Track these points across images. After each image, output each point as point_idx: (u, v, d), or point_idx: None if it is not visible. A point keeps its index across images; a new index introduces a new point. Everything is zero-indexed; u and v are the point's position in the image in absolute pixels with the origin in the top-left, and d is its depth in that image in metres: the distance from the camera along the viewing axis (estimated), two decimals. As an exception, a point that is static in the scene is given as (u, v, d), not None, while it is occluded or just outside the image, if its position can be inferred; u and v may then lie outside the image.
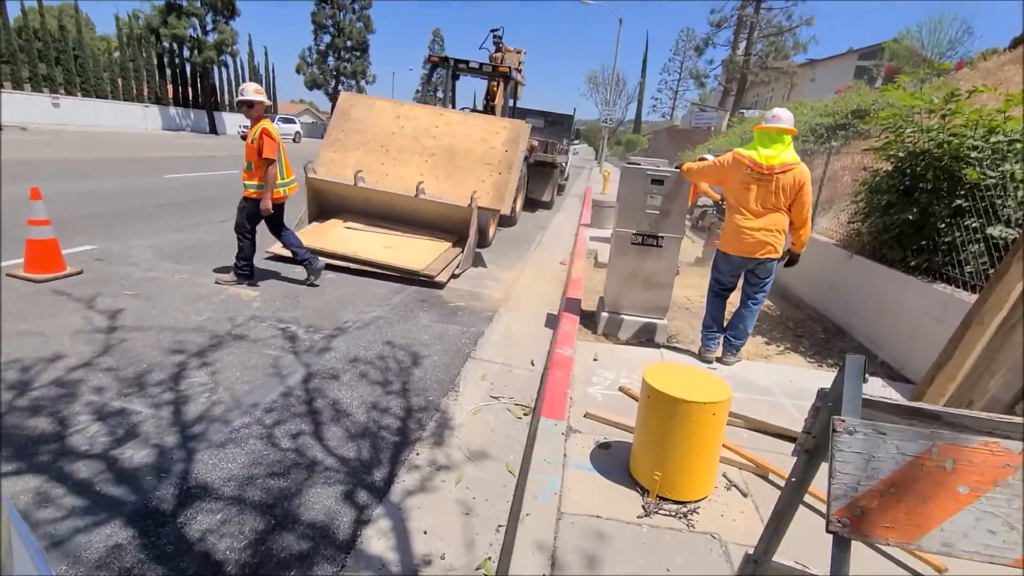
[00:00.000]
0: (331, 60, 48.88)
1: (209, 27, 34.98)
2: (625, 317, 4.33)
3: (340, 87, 50.10)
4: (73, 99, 30.17)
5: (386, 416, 2.91)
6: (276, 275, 5.11)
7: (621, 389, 3.20)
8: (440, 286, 5.38)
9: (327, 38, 48.08)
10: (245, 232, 4.62)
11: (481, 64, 8.35)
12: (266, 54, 71.15)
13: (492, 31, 9.45)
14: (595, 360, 3.66)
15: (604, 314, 4.38)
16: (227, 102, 43.33)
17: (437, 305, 4.88)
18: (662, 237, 4.15)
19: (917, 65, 12.77)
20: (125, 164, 12.27)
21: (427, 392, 3.25)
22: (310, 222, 6.38)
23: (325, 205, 6.58)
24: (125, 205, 7.43)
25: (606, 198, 9.73)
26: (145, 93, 36.01)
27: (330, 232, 5.96)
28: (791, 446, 1.66)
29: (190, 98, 38.12)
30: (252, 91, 4.57)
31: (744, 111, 34.79)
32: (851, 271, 4.69)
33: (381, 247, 5.73)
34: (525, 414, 3.14)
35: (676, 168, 4.03)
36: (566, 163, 14.93)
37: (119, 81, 34.53)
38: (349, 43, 48.50)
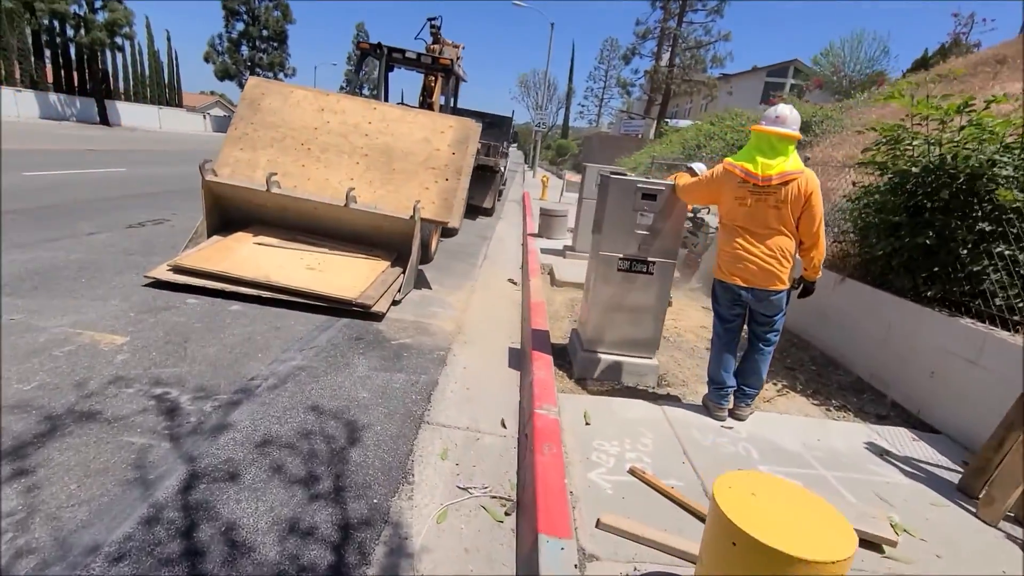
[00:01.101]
0: (245, 50, 45.21)
1: (99, 5, 30.90)
2: (607, 356, 3.61)
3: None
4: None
5: (311, 545, 1.96)
6: (159, 308, 3.90)
7: (633, 472, 2.44)
8: (378, 317, 4.40)
9: (240, 25, 44.39)
10: None
11: (419, 54, 7.39)
12: (168, 39, 64.84)
13: (429, 19, 8.50)
14: (587, 424, 2.89)
15: (582, 353, 3.64)
16: (122, 89, 38.69)
17: (376, 344, 3.91)
18: (653, 263, 3.47)
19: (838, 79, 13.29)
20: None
21: (370, 490, 2.32)
22: (209, 236, 5.14)
23: (229, 216, 5.35)
24: (-45, 211, 5.74)
25: (556, 207, 9.08)
26: (17, 76, 31.23)
27: (236, 250, 4.77)
28: None
29: (75, 84, 33.53)
30: None
31: (667, 120, 36.01)
32: (844, 297, 4.26)
33: (302, 269, 4.64)
34: (508, 513, 2.31)
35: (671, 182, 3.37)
36: (505, 167, 14.22)
37: (-18, 60, 29.69)
38: (265, 32, 45.08)
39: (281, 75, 47.13)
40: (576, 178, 15.21)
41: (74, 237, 5.39)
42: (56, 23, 30.52)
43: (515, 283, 6.40)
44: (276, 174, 5.03)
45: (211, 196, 5.10)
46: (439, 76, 8.99)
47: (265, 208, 5.33)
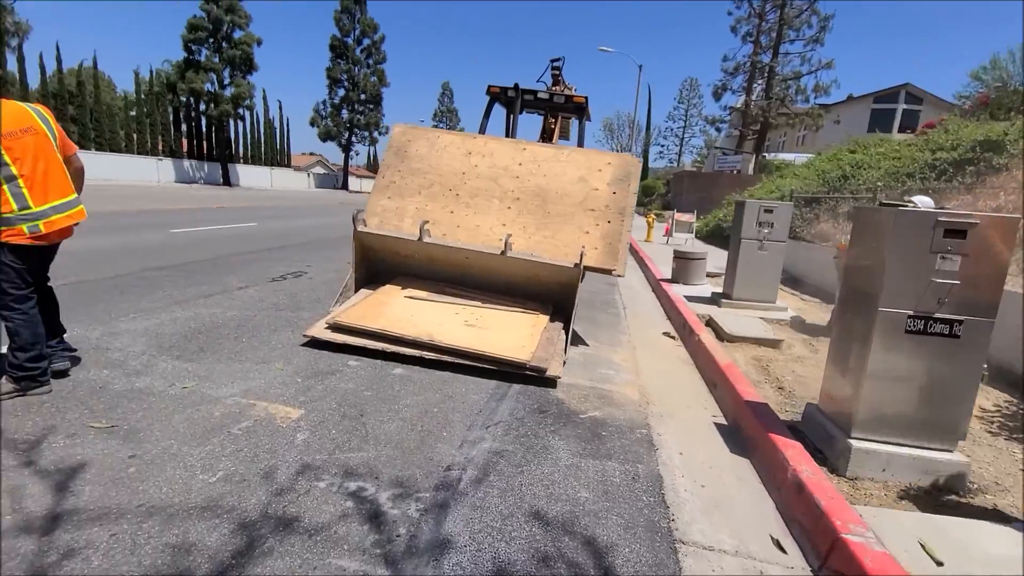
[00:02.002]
0: (345, 113, 49.30)
1: (226, 81, 35.11)
2: (886, 447, 2.69)
3: (353, 139, 50.35)
4: (88, 153, 29.72)
5: None
6: (324, 372, 3.52)
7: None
8: (552, 383, 3.76)
9: (341, 92, 48.66)
10: (7, 303, 2.74)
11: (552, 93, 7.10)
12: (280, 108, 72.77)
13: (552, 61, 8.27)
14: (938, 564, 1.98)
15: (846, 440, 2.74)
16: (241, 153, 43.28)
17: (565, 419, 3.25)
18: (960, 322, 2.56)
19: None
20: (131, 218, 11.00)
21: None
22: (357, 290, 4.85)
23: (375, 267, 5.08)
24: (120, 268, 5.96)
25: (691, 249, 8.23)
26: (160, 147, 35.84)
27: (388, 305, 4.40)
28: None
29: (204, 151, 37.90)
30: None
31: (765, 154, 34.11)
32: None
33: (461, 326, 4.15)
34: None
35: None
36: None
37: (135, 136, 34.39)
38: (363, 96, 49.04)
39: (376, 133, 50.76)
40: (685, 217, 14.28)
41: (226, 292, 5.34)
42: (191, 100, 34.96)
43: (673, 337, 5.58)
44: (428, 222, 4.68)
45: (360, 247, 4.84)
46: (559, 117, 8.66)
47: (412, 259, 5.00)
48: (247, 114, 39.86)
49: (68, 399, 2.84)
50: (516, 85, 6.65)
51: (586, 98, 7.03)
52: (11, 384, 2.78)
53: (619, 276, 4.65)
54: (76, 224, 3.03)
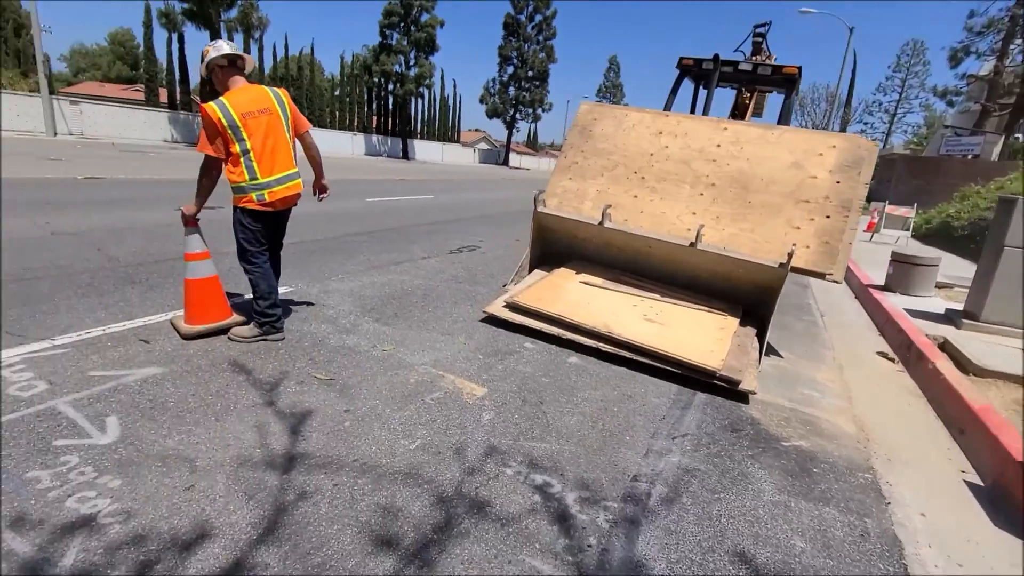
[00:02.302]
0: (512, 90, 50.71)
1: (411, 62, 38.35)
2: None
3: (518, 115, 51.72)
4: (301, 128, 35.02)
5: None
6: (503, 352, 3.56)
7: None
8: (745, 398, 3.33)
9: (510, 69, 50.04)
10: (247, 258, 3.24)
11: (756, 65, 6.24)
12: (455, 86, 77.55)
13: (755, 27, 7.29)
14: None
15: None
16: (418, 130, 47.30)
17: (763, 444, 2.83)
18: None
19: None
20: (335, 187, 12.62)
21: None
22: (531, 269, 4.85)
23: (549, 248, 5.02)
24: (328, 232, 6.81)
25: (916, 252, 6.75)
26: (354, 123, 40.75)
27: (564, 289, 4.31)
28: None
29: (389, 127, 42.16)
30: (233, 46, 3.16)
31: (1019, 136, 26.96)
32: None
33: (640, 320, 3.88)
34: None
35: None
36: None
37: (336, 113, 39.55)
38: (531, 73, 49.85)
39: (540, 110, 51.48)
40: (900, 211, 11.86)
41: (412, 261, 5.77)
42: (382, 80, 38.94)
43: (892, 359, 4.62)
44: (610, 206, 4.44)
45: (538, 227, 4.81)
46: (755, 92, 7.66)
47: (589, 243, 4.83)
48: (426, 92, 43.22)
49: (296, 348, 3.25)
50: (716, 56, 5.96)
51: (799, 69, 6.04)
52: (256, 329, 3.27)
53: (835, 282, 3.93)
54: (296, 195, 3.34)
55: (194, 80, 31.39)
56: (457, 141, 55.13)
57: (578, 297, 4.17)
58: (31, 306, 3.38)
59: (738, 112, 7.75)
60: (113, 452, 2.08)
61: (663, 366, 3.46)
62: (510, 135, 54.38)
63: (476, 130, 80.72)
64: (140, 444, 2.15)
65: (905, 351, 4.71)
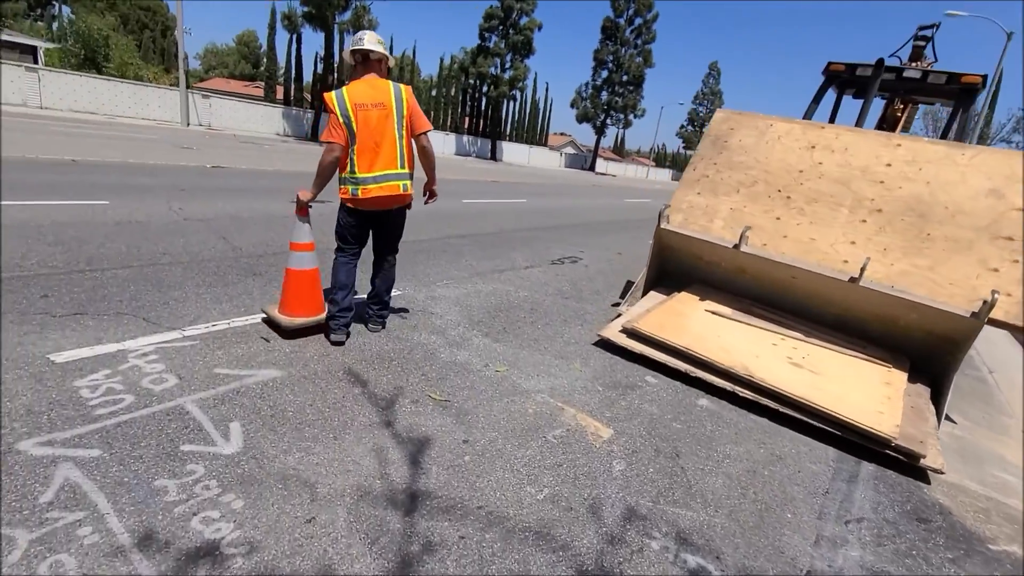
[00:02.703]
0: (604, 94, 49.77)
1: (507, 65, 38.72)
2: None
3: (608, 120, 50.71)
4: (398, 126, 36.38)
5: None
6: (624, 385, 3.19)
7: None
8: (925, 475, 2.73)
9: (605, 73, 49.13)
10: (335, 250, 3.21)
11: (925, 72, 5.37)
12: (547, 89, 77.75)
13: (919, 29, 6.34)
14: None
15: None
16: (507, 132, 47.76)
17: (961, 542, 2.25)
18: None
19: None
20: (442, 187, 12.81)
21: None
22: (647, 291, 4.43)
23: (668, 268, 4.57)
24: (431, 233, 6.77)
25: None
26: (448, 123, 41.87)
27: (688, 317, 3.86)
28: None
29: (479, 128, 42.93)
30: (372, 41, 2.95)
31: None
32: None
33: (784, 363, 3.36)
34: None
35: None
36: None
37: (431, 112, 40.84)
38: (625, 77, 48.65)
39: (632, 116, 50.14)
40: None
41: (514, 270, 5.54)
42: (477, 82, 39.65)
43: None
44: (749, 228, 3.93)
45: (660, 245, 4.39)
46: (909, 104, 6.67)
47: (717, 267, 4.34)
48: (518, 95, 43.44)
49: (408, 360, 3.09)
50: (880, 61, 5.19)
51: (984, 78, 5.11)
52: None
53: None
54: (393, 196, 3.03)
55: (307, 78, 33.71)
56: (545, 144, 55.10)
57: (705, 329, 3.70)
58: (164, 292, 3.50)
59: (887, 126, 6.80)
60: (236, 466, 1.97)
61: (816, 423, 2.94)
62: (598, 141, 53.44)
63: (562, 134, 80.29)
64: (262, 459, 2.03)
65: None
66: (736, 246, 3.92)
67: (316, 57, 29.74)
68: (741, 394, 3.14)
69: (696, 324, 3.77)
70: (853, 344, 3.70)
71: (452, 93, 41.69)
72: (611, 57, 48.15)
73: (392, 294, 3.56)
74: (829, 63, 5.85)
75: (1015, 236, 3.35)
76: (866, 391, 3.11)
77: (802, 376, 3.21)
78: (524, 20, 37.53)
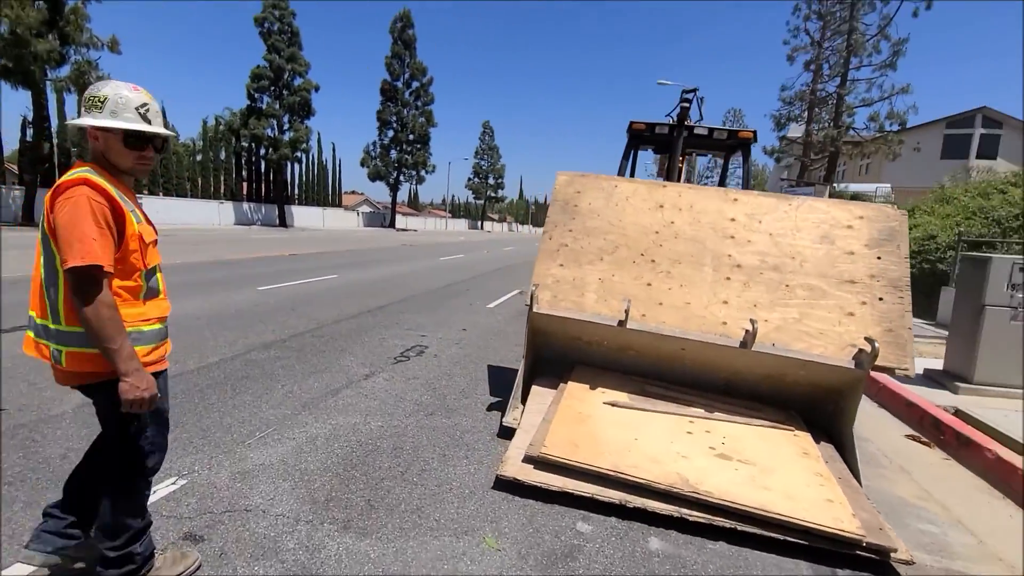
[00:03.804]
0: (394, 153, 50.07)
1: (285, 126, 36.08)
2: None
3: (401, 177, 50.99)
4: (156, 199, 30.74)
5: None
6: (557, 555, 2.30)
7: None
8: (886, 566, 2.43)
9: (391, 133, 49.56)
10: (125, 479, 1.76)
11: (711, 129, 5.99)
12: (334, 150, 75.62)
13: (684, 92, 7.22)
14: None
15: None
16: (296, 195, 44.29)
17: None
18: None
19: None
20: (212, 270, 10.38)
21: None
22: (526, 389, 3.70)
23: (543, 353, 3.94)
24: (223, 348, 5.01)
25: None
26: (221, 190, 36.93)
27: (593, 419, 3.21)
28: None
29: (262, 193, 38.87)
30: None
31: (834, 185, 32.16)
32: None
33: (710, 457, 2.90)
34: None
35: None
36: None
37: (199, 180, 35.57)
38: (411, 136, 49.80)
39: (423, 172, 51.29)
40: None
41: (352, 384, 4.27)
42: (253, 145, 36.01)
43: (925, 443, 4.15)
44: (630, 301, 3.51)
45: (532, 332, 3.72)
46: (686, 157, 7.52)
47: (599, 346, 3.84)
48: (303, 156, 40.78)
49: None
50: (681, 120, 5.57)
51: (755, 132, 5.87)
52: None
53: (907, 377, 3.33)
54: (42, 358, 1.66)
55: (11, 145, 26.11)
56: (339, 205, 52.63)
57: (618, 431, 3.09)
58: None
59: (672, 177, 7.55)
60: None
61: (779, 536, 2.47)
62: (395, 198, 53.28)
63: (355, 192, 78.49)
64: None
65: (932, 430, 4.29)
66: (622, 323, 3.46)
67: (23, 121, 23.39)
68: (692, 519, 2.54)
69: (606, 428, 3.13)
70: (750, 408, 3.49)
71: (223, 157, 37.05)
72: (395, 117, 48.94)
73: (171, 486, 2.10)
74: (631, 122, 6.18)
75: (857, 280, 3.53)
76: (801, 474, 2.80)
77: (739, 473, 2.78)
78: (298, 81, 35.69)
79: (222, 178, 36.88)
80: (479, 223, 79.34)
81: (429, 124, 50.75)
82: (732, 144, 6.08)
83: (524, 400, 3.65)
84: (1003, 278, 4.87)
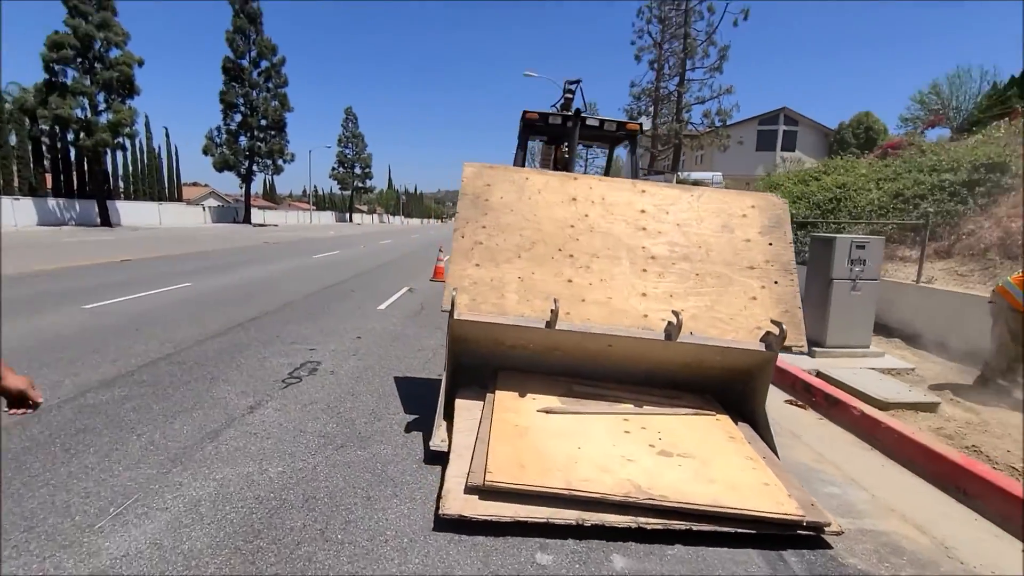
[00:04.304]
0: (243, 140, 44.86)
1: (101, 107, 30.27)
2: None
3: (255, 167, 45.99)
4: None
5: None
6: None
7: None
8: (819, 538, 2.59)
9: (239, 117, 44.28)
10: None
11: (603, 120, 6.03)
12: (167, 136, 65.90)
13: (568, 83, 7.25)
14: None
15: None
16: (122, 188, 37.68)
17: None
18: None
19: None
20: (23, 285, 8.18)
21: None
22: (448, 401, 3.38)
23: (463, 361, 3.63)
24: (51, 396, 3.84)
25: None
26: (15, 183, 30.01)
27: (534, 432, 3.00)
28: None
29: (75, 186, 32.37)
30: None
31: (678, 173, 35.96)
32: None
33: (654, 456, 2.86)
34: None
35: None
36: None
37: (-22, 172, 28.53)
38: (264, 122, 45.01)
39: (281, 161, 46.79)
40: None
41: (235, 422, 3.53)
42: (57, 128, 29.64)
43: (800, 406, 4.66)
44: (558, 301, 3.34)
45: (454, 340, 3.39)
46: (560, 148, 7.62)
47: (524, 349, 3.64)
48: (128, 143, 34.59)
49: None
50: (578, 111, 5.52)
51: (640, 124, 6.06)
52: None
53: (801, 352, 3.63)
54: None
55: None
56: (179, 199, 45.95)
57: (560, 441, 2.91)
58: None
59: (560, 167, 7.61)
60: None
61: (732, 529, 2.49)
62: (248, 189, 47.95)
63: (198, 184, 69.34)
64: None
65: (804, 394, 4.83)
66: (549, 324, 3.28)
67: None
68: (649, 527, 2.45)
69: (547, 440, 2.93)
70: (672, 397, 3.57)
71: (14, 143, 29.99)
72: (242, 100, 43.77)
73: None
74: (524, 112, 6.03)
75: (756, 265, 3.76)
76: (737, 462, 2.88)
77: (683, 470, 2.77)
78: (116, 53, 30.05)
79: (14, 168, 29.89)
80: (347, 215, 75.01)
81: (284, 108, 46.29)
82: (620, 135, 6.25)
83: (449, 417, 3.32)
84: (845, 254, 5.65)
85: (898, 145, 11.87)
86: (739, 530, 2.47)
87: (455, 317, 3.25)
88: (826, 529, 2.52)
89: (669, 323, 3.33)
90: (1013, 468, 3.42)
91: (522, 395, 3.39)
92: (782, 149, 39.40)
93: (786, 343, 3.47)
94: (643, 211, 3.94)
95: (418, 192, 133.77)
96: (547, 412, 3.21)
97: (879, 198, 9.28)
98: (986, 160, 8.18)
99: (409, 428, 3.52)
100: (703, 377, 3.72)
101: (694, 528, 2.46)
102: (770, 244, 3.85)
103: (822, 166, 12.44)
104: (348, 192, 75.29)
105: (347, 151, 73.30)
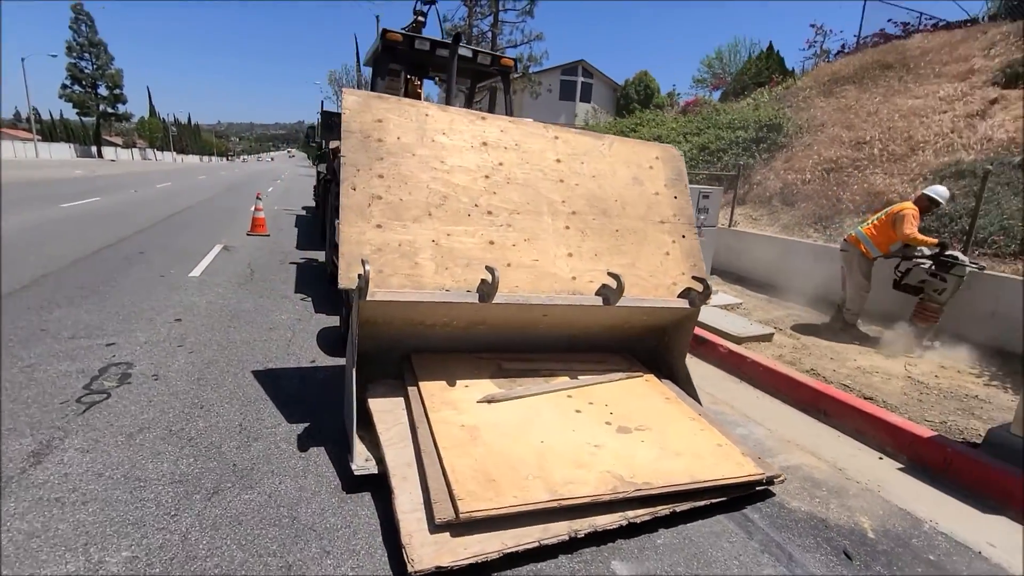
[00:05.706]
0: None
1: None
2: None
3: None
4: None
5: None
6: None
7: None
8: (766, 491, 2.72)
9: None
10: None
11: (475, 52, 5.14)
12: None
13: (421, 4, 6.19)
14: None
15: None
16: None
17: (889, 556, 2.32)
18: None
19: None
20: None
21: None
22: (360, 407, 2.68)
23: (366, 347, 2.90)
24: None
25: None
26: None
27: (478, 432, 2.49)
28: None
29: None
30: None
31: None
32: None
33: (616, 435, 2.64)
34: None
35: None
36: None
37: None
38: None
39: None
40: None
41: (13, 484, 2.22)
42: None
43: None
44: (496, 270, 2.77)
45: (363, 324, 2.63)
46: (414, 81, 6.72)
47: (444, 328, 3.04)
48: None
49: None
50: (458, 35, 4.64)
51: (515, 61, 5.48)
52: None
53: (707, 304, 3.75)
54: None
55: None
56: None
57: (517, 437, 2.48)
58: None
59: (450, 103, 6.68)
60: None
61: (706, 501, 2.42)
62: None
63: None
64: None
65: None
66: (484, 298, 2.73)
67: None
68: (639, 521, 2.23)
69: (502, 439, 2.47)
70: (599, 362, 3.40)
71: None
72: None
73: None
74: (384, 31, 4.94)
75: (665, 219, 3.70)
76: (683, 426, 2.84)
77: (647, 446, 2.61)
78: None
79: None
80: (95, 149, 58.59)
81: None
82: (492, 71, 5.60)
83: (365, 424, 2.60)
84: (693, 203, 6.14)
85: (696, 103, 13.55)
86: (712, 501, 2.42)
87: (367, 299, 2.47)
88: (779, 477, 2.64)
89: (606, 287, 3.08)
90: (844, 385, 4.12)
91: (451, 384, 2.83)
92: (582, 100, 42.14)
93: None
94: (558, 160, 3.52)
95: (192, 123, 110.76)
96: (489, 402, 2.73)
97: (689, 151, 10.46)
98: (768, 121, 9.73)
99: (304, 445, 2.68)
100: (623, 336, 3.61)
101: (677, 510, 2.33)
102: (675, 197, 3.82)
103: (637, 118, 13.60)
104: (92, 119, 58.55)
105: (83, 63, 56.09)
